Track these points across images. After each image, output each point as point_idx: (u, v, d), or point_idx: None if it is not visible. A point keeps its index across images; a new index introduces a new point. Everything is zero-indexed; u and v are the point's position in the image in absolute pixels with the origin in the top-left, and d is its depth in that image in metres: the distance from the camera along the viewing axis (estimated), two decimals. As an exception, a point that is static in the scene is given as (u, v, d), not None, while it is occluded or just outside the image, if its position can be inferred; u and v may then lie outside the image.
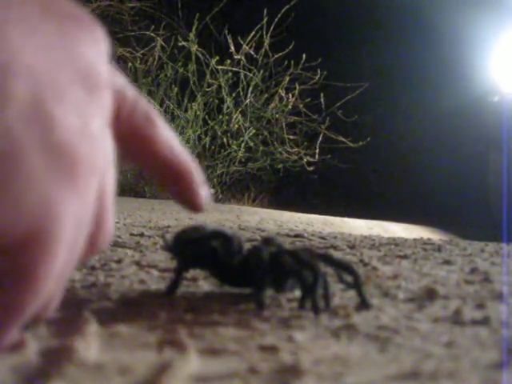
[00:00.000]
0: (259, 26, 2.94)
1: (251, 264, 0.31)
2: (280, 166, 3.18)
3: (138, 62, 2.92)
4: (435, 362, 0.20)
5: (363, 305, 0.30)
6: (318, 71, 3.03)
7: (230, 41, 2.92)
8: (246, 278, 0.31)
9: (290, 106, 3.08)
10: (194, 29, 2.89)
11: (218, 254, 0.32)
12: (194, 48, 2.91)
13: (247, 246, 0.34)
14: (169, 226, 0.93)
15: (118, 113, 0.24)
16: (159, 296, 0.31)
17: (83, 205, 0.20)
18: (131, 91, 0.25)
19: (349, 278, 0.32)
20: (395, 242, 0.76)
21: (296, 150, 3.14)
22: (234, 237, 0.33)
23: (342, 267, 0.32)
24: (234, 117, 3.03)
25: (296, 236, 0.81)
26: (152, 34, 2.94)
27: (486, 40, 3.08)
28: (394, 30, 3.58)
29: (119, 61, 2.85)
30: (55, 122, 0.19)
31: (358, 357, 0.21)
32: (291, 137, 3.18)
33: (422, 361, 0.20)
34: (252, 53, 2.98)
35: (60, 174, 0.19)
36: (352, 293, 0.33)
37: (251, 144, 3.12)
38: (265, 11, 2.87)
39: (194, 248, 0.32)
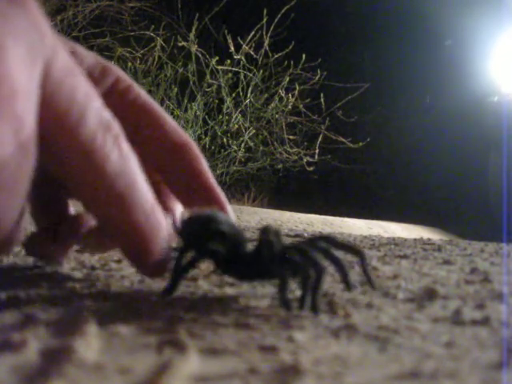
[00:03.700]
0: (259, 26, 2.94)
1: (264, 257, 0.30)
2: (280, 166, 3.18)
3: (138, 62, 2.92)
4: (435, 361, 0.20)
5: (369, 285, 0.31)
6: (318, 71, 3.03)
7: (229, 41, 2.92)
8: (258, 271, 0.31)
9: (289, 106, 3.08)
10: (193, 29, 2.88)
11: (228, 240, 0.31)
12: (194, 48, 2.91)
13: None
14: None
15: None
16: (159, 296, 0.31)
17: None
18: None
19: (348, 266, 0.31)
20: (395, 242, 0.76)
21: (296, 150, 3.13)
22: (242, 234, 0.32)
23: (347, 249, 0.32)
24: (234, 117, 3.03)
25: (296, 236, 0.81)
26: (152, 34, 2.93)
27: (485, 40, 3.07)
28: (394, 31, 3.58)
29: (119, 61, 2.85)
30: None
31: (357, 357, 0.21)
32: (291, 137, 3.17)
33: (422, 361, 0.20)
34: (252, 53, 2.98)
35: None
36: (352, 293, 0.33)
37: (251, 144, 3.12)
38: (264, 11, 2.86)
39: (203, 231, 0.31)
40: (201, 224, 0.31)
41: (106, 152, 0.25)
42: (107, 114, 0.26)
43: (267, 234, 0.32)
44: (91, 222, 0.34)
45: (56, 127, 0.24)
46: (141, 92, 0.34)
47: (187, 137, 0.35)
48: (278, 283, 0.28)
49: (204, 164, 0.35)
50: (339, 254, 0.31)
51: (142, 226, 0.27)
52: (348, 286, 0.31)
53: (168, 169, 0.32)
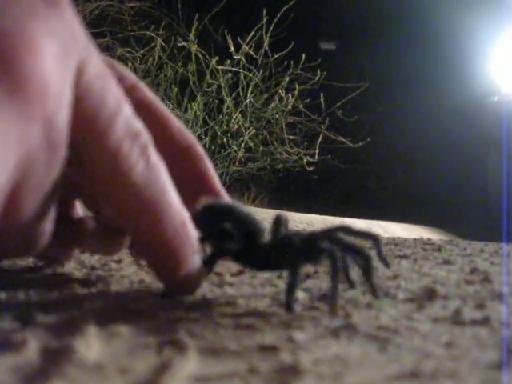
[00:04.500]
0: (259, 26, 2.94)
1: (283, 250, 0.30)
2: (280, 166, 3.18)
3: (138, 61, 2.92)
4: (435, 361, 0.20)
5: (384, 265, 0.32)
6: (318, 71, 3.03)
7: (229, 41, 2.92)
8: (274, 262, 0.31)
9: (289, 106, 3.08)
10: (193, 29, 2.88)
11: (244, 233, 0.30)
12: (194, 48, 2.91)
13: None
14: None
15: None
16: (159, 296, 0.31)
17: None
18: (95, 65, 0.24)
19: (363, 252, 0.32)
20: (395, 242, 0.76)
21: (296, 150, 3.13)
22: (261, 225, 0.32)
23: (364, 236, 0.32)
24: (234, 117, 3.03)
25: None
26: (152, 34, 2.93)
27: (485, 40, 3.07)
28: (394, 30, 3.58)
29: (119, 61, 2.85)
30: None
31: (357, 357, 0.21)
32: (291, 137, 3.17)
33: (422, 361, 0.20)
34: (252, 53, 2.98)
35: None
36: (352, 293, 0.33)
37: (251, 144, 3.11)
38: (264, 11, 2.86)
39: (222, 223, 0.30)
40: (217, 216, 0.31)
41: (132, 161, 0.25)
42: (137, 122, 0.26)
43: (280, 223, 0.32)
44: (95, 225, 0.34)
45: (85, 130, 0.24)
46: (147, 91, 0.33)
47: (193, 138, 0.34)
48: (287, 282, 0.28)
49: (209, 166, 0.34)
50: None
51: (170, 239, 0.26)
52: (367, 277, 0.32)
53: (172, 171, 0.32)
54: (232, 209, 0.31)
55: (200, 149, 0.34)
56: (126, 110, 0.25)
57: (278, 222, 0.32)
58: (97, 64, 0.24)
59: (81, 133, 0.23)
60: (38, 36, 0.21)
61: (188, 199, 0.33)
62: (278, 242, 0.31)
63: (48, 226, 0.26)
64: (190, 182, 0.33)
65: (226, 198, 0.35)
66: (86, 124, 0.23)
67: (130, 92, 0.32)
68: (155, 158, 0.26)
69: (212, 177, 0.34)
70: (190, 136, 0.34)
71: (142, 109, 0.32)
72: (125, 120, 0.25)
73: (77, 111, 0.23)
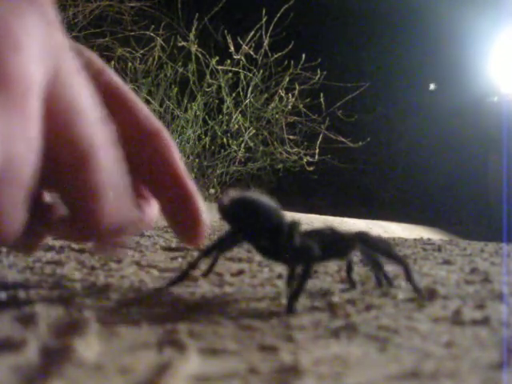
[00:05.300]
0: (258, 25, 2.94)
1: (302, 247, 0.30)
2: (280, 166, 3.18)
3: (138, 62, 2.91)
4: (435, 362, 0.20)
5: (396, 263, 0.33)
6: (318, 71, 3.03)
7: (229, 41, 2.92)
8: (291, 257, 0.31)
9: (289, 106, 3.08)
10: (193, 29, 2.88)
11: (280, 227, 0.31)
12: (194, 48, 2.91)
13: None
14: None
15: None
16: (159, 296, 0.31)
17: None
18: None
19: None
20: (395, 242, 0.76)
21: (296, 149, 3.13)
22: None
23: (379, 241, 0.33)
24: (234, 117, 3.03)
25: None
26: (152, 34, 2.93)
27: (485, 40, 3.08)
28: (394, 30, 3.58)
29: (119, 61, 2.85)
30: None
31: (357, 357, 0.21)
32: (291, 137, 3.17)
33: (422, 361, 0.20)
34: (252, 53, 2.98)
35: None
36: (352, 293, 0.33)
37: (251, 144, 3.11)
38: (263, 11, 2.86)
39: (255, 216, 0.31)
40: (247, 209, 0.32)
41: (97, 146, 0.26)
42: (102, 111, 0.27)
43: (295, 228, 0.32)
44: (63, 211, 0.33)
45: (58, 126, 0.25)
46: (113, 76, 0.34)
47: (160, 125, 0.34)
48: (296, 286, 0.28)
49: (176, 153, 0.34)
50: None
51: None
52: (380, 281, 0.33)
53: (138, 157, 0.32)
54: (262, 203, 0.32)
55: (167, 135, 0.34)
56: (92, 101, 0.26)
57: (294, 228, 0.32)
58: (70, 61, 0.25)
59: (55, 129, 0.24)
60: (21, 34, 0.22)
61: (151, 185, 0.33)
62: (308, 237, 0.31)
63: (22, 216, 0.26)
64: (154, 168, 0.33)
65: (190, 184, 0.34)
66: (59, 117, 0.25)
67: (98, 76, 0.33)
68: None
69: (177, 163, 0.34)
70: (156, 122, 0.34)
71: (109, 93, 0.33)
72: (92, 111, 0.26)
73: (52, 108, 0.24)
